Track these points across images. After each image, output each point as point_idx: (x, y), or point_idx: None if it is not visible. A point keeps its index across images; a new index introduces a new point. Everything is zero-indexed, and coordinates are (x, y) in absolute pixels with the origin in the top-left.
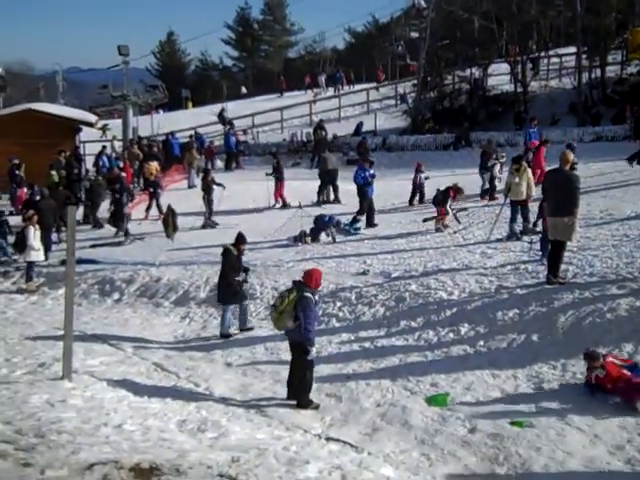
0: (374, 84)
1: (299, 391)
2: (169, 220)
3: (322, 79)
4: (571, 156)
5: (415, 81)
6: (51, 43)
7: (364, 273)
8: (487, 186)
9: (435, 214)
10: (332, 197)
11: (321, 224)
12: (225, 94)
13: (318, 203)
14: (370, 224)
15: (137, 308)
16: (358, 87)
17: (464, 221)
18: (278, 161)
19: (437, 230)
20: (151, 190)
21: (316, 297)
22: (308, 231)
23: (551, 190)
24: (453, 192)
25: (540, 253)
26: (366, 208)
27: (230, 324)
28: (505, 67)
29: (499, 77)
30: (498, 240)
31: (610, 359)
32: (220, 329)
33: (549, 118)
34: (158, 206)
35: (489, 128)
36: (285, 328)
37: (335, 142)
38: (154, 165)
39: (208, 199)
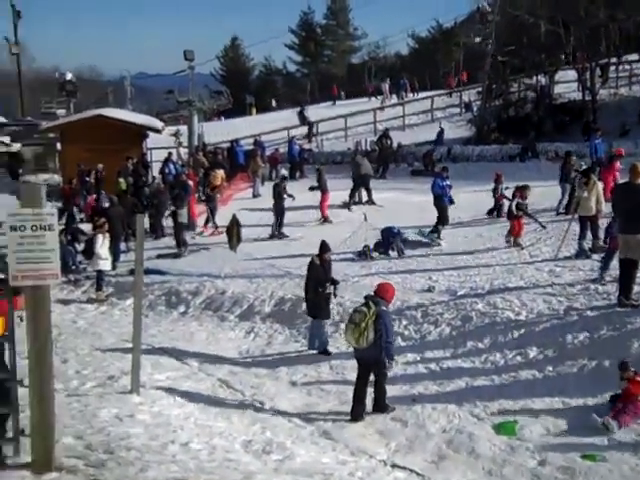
0: (438, 91)
1: (379, 399)
2: (233, 231)
3: (386, 86)
4: None
5: (480, 89)
6: (119, 49)
7: (430, 290)
8: (566, 200)
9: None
10: (364, 199)
11: (389, 236)
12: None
13: (348, 205)
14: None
15: (203, 321)
16: (422, 94)
17: (531, 237)
18: (320, 172)
19: (509, 244)
20: (208, 204)
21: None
22: (372, 245)
23: (621, 205)
24: (519, 192)
25: (600, 270)
26: (443, 218)
27: (327, 339)
28: (572, 74)
29: (566, 85)
30: (567, 258)
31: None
32: (309, 344)
33: (619, 128)
34: (213, 221)
35: (556, 139)
36: (367, 344)
37: (400, 151)
38: (220, 173)
39: (278, 209)
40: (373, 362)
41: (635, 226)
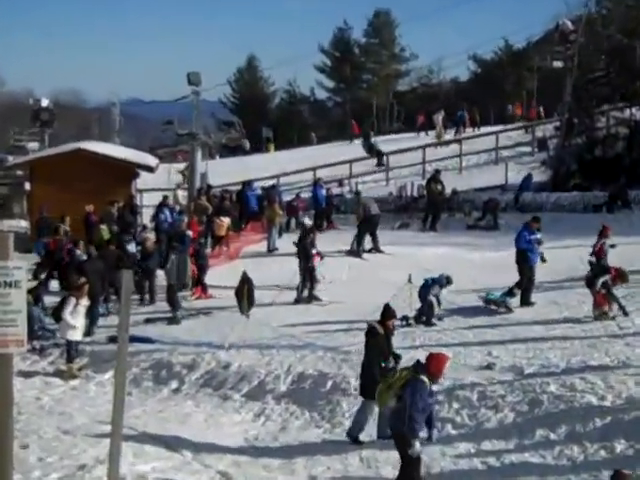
0: (505, 126)
1: None
2: (243, 291)
3: (439, 118)
4: None
5: (558, 123)
6: (108, 69)
7: (489, 367)
8: None
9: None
10: (368, 246)
11: (424, 293)
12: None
13: (357, 253)
14: (525, 302)
15: (200, 401)
16: (485, 129)
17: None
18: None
19: (596, 318)
20: (197, 260)
21: (432, 387)
22: (414, 311)
23: None
24: (615, 273)
25: None
26: (526, 280)
27: (364, 425)
28: None
29: None
30: None
31: None
32: (351, 430)
33: None
34: (202, 283)
35: None
36: (386, 407)
37: (454, 199)
38: (226, 222)
39: (306, 266)
40: (395, 435)
41: None
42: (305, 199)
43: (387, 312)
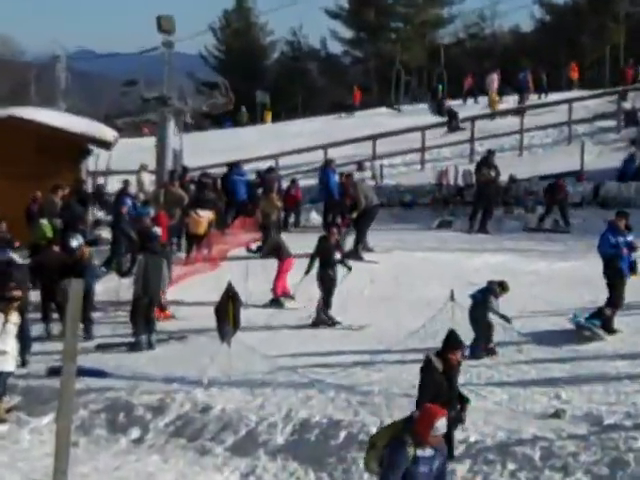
0: (581, 92)
1: None
2: (228, 309)
3: (493, 81)
4: None
5: None
6: (50, 12)
7: (556, 415)
8: None
9: None
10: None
11: (479, 314)
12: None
13: (356, 255)
14: (607, 328)
15: (170, 455)
16: (553, 96)
17: None
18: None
19: None
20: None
21: (422, 452)
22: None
23: None
24: None
25: None
26: (618, 298)
27: None
28: None
29: None
30: None
31: None
32: None
33: None
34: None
35: None
36: (369, 472)
37: (513, 189)
38: (206, 216)
39: (326, 278)
40: None
41: None
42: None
43: (451, 341)
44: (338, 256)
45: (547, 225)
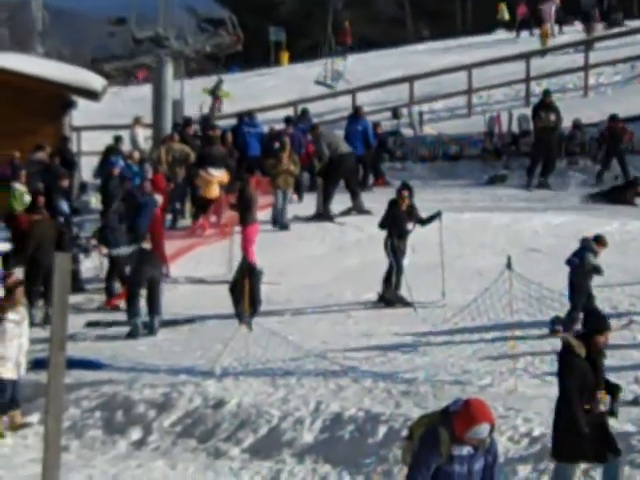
0: None
1: None
2: (244, 287)
3: (551, 8)
4: None
5: None
6: None
7: (636, 402)
8: None
9: None
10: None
11: (580, 281)
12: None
13: (328, 216)
14: None
15: (177, 459)
16: (626, 26)
17: None
18: (243, 186)
19: None
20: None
21: (459, 449)
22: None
23: None
24: None
25: None
26: None
27: None
28: None
29: None
30: None
31: None
32: None
33: None
34: (122, 278)
35: None
36: (407, 465)
37: (577, 136)
38: (218, 176)
39: (395, 254)
40: None
41: None
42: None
43: (597, 321)
44: (410, 226)
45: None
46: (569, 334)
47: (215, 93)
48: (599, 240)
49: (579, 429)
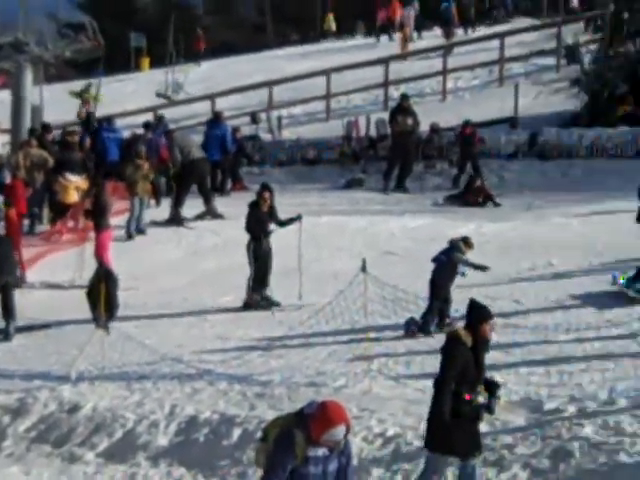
0: (517, 21)
1: None
2: (100, 291)
3: (410, 13)
4: None
5: (598, 21)
6: None
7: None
8: None
9: None
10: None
11: (443, 279)
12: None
13: (179, 220)
14: None
15: (32, 465)
16: (484, 31)
17: None
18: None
19: None
20: None
21: (314, 451)
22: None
23: None
24: None
25: None
26: None
27: None
28: None
29: None
30: None
31: None
32: None
33: None
34: None
35: None
36: (260, 467)
37: (435, 140)
38: (74, 182)
39: (259, 252)
40: None
41: None
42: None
43: (480, 311)
44: (272, 226)
45: (461, 184)
46: (456, 326)
47: (83, 96)
48: (466, 241)
49: (442, 416)
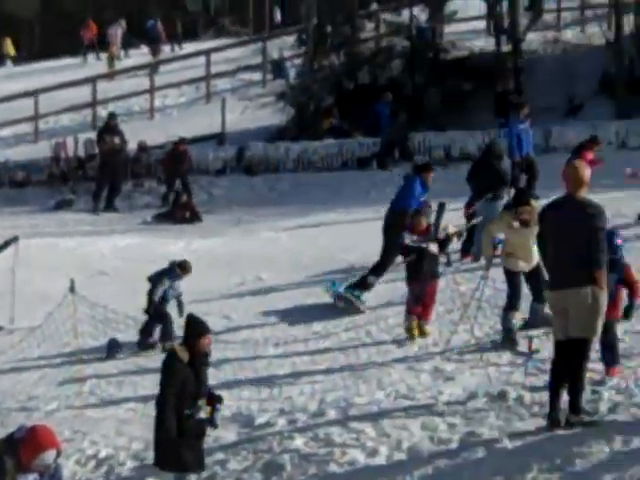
0: (222, 40)
1: None
2: None
3: (117, 32)
4: (588, 172)
5: (302, 34)
6: None
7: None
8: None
9: None
10: None
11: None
12: None
13: None
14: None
15: None
16: (191, 46)
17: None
18: None
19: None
20: None
21: (26, 478)
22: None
23: (552, 238)
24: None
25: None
26: None
27: None
28: (478, 5)
29: (467, 24)
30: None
31: None
32: None
33: (564, 103)
34: None
35: (449, 122)
36: None
37: (143, 159)
38: None
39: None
40: None
41: (575, 274)
42: None
43: (197, 326)
44: None
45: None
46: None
47: None
48: (182, 266)
49: (168, 434)
